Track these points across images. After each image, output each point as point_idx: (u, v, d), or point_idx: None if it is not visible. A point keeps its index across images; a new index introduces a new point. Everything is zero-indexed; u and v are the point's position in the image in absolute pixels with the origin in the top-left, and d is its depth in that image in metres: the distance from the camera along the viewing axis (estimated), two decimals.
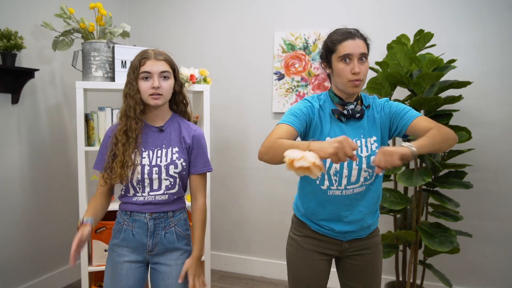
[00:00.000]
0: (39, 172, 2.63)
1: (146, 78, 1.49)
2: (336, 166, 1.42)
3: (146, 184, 1.52)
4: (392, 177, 2.38)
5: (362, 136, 1.44)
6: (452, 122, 2.27)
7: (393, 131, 1.46)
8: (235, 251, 3.20)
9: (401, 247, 2.44)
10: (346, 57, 1.39)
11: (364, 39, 1.44)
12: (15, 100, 2.41)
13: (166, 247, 1.58)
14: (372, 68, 2.37)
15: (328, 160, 1.40)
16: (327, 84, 2.81)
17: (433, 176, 2.25)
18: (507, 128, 2.48)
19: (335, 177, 1.44)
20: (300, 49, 2.87)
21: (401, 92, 2.44)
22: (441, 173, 2.35)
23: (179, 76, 1.60)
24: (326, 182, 1.45)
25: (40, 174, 2.64)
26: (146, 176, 1.51)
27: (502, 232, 2.53)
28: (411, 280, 2.30)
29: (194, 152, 1.57)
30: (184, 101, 1.65)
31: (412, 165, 2.37)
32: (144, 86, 1.49)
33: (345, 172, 1.42)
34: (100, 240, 2.35)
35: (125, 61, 2.34)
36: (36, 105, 2.60)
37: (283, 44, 2.91)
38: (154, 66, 1.49)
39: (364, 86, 2.35)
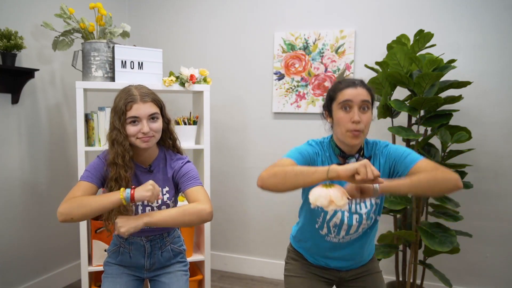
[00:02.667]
0: (39, 172, 2.63)
1: (134, 122, 1.42)
2: (336, 220, 1.40)
3: None
4: None
5: None
6: (452, 122, 2.27)
7: (394, 175, 1.40)
8: (235, 251, 3.20)
9: (401, 247, 2.44)
10: (346, 105, 1.33)
11: (368, 89, 1.36)
12: (15, 100, 2.41)
13: (163, 264, 1.61)
14: (372, 68, 2.37)
15: (330, 213, 1.39)
16: (327, 84, 2.81)
17: None
18: (507, 128, 2.48)
19: (334, 229, 1.43)
20: (300, 49, 2.87)
21: (401, 92, 2.44)
22: None
23: (166, 112, 1.54)
24: (325, 230, 1.44)
25: (40, 174, 2.64)
26: (140, 212, 1.50)
27: (502, 232, 2.53)
28: (411, 280, 2.29)
29: (179, 179, 1.51)
30: (171, 137, 1.58)
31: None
32: (133, 130, 1.41)
33: (345, 226, 1.42)
34: (100, 240, 2.35)
35: (125, 61, 2.35)
36: (36, 105, 2.60)
37: (283, 44, 2.91)
38: (141, 110, 1.41)
39: None
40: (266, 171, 1.25)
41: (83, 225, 2.32)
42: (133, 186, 1.38)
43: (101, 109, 2.38)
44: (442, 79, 2.31)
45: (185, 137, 2.53)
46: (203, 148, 2.55)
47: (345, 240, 1.46)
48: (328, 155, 1.41)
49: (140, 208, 1.51)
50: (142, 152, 1.50)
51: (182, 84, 2.47)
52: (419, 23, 2.53)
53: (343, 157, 1.39)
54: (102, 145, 2.35)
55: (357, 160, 1.38)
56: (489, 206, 2.54)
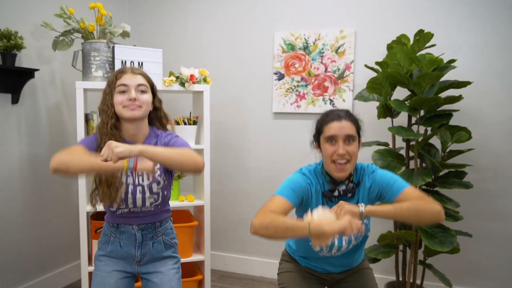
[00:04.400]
0: (39, 172, 2.63)
1: (123, 91, 1.44)
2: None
3: (129, 202, 1.50)
4: None
5: None
6: (452, 122, 2.27)
7: (381, 200, 1.48)
8: (235, 251, 3.20)
9: (401, 247, 2.44)
10: (332, 138, 1.42)
11: (354, 121, 1.44)
12: (15, 100, 2.41)
13: (154, 257, 1.57)
14: (372, 68, 2.37)
15: None
16: (327, 84, 2.81)
17: (433, 176, 2.25)
18: (507, 128, 2.48)
19: (326, 248, 1.51)
20: (300, 49, 2.87)
21: (401, 92, 2.44)
22: (441, 173, 2.34)
23: (158, 94, 1.56)
24: (318, 248, 1.50)
25: (40, 174, 2.64)
26: (130, 195, 1.49)
27: (502, 232, 2.53)
28: (411, 280, 2.29)
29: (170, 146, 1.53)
30: (165, 117, 1.60)
31: (412, 165, 2.37)
32: (120, 99, 1.44)
33: (336, 247, 1.50)
34: None
35: (125, 61, 2.35)
36: (36, 105, 2.60)
37: (283, 44, 2.91)
38: (130, 80, 1.45)
39: (365, 87, 2.35)
40: (259, 219, 1.30)
41: (83, 225, 2.32)
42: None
43: None
44: (442, 79, 2.31)
45: (185, 137, 2.51)
46: (203, 148, 2.55)
47: (337, 254, 1.55)
48: (321, 182, 1.49)
49: (130, 187, 1.48)
50: (132, 129, 1.49)
51: (182, 84, 2.47)
52: (419, 23, 2.53)
53: (334, 184, 1.47)
54: None
55: (346, 186, 1.44)
56: (489, 206, 2.54)
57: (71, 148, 1.41)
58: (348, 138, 1.41)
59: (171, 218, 1.68)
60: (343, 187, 1.45)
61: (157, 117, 1.59)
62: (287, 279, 1.62)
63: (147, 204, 1.52)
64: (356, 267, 1.65)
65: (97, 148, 1.46)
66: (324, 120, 1.46)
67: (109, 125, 1.44)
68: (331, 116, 1.45)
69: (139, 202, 1.50)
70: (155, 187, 1.51)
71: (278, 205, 1.39)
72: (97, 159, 1.29)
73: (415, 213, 1.31)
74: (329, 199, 1.46)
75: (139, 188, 1.50)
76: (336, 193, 1.45)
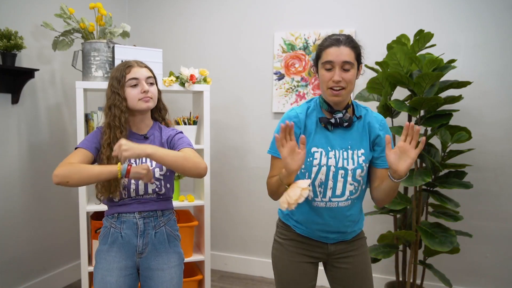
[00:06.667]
0: (39, 172, 2.63)
1: (135, 85, 1.50)
2: (321, 177, 1.41)
3: (132, 189, 1.50)
4: None
5: (349, 147, 1.42)
6: (452, 122, 2.27)
7: (373, 147, 1.47)
8: (235, 251, 3.20)
9: (401, 247, 2.44)
10: (328, 64, 1.35)
11: (354, 47, 1.35)
12: (15, 100, 2.41)
13: (156, 248, 1.53)
14: (372, 68, 2.37)
15: (314, 171, 1.41)
16: None
17: (433, 176, 2.26)
18: (507, 128, 2.48)
19: (319, 189, 1.43)
20: (300, 49, 2.87)
21: (401, 92, 2.44)
22: (441, 173, 2.35)
23: (157, 85, 1.62)
24: (311, 193, 1.44)
25: (40, 174, 2.64)
26: (133, 181, 1.50)
27: (502, 232, 2.53)
28: (411, 280, 2.30)
29: (174, 143, 1.57)
30: (165, 109, 1.66)
31: (412, 165, 2.37)
32: (133, 93, 1.49)
33: (330, 183, 1.41)
34: None
35: None
36: (36, 105, 2.60)
37: (283, 44, 2.91)
38: (140, 73, 1.52)
39: (365, 87, 2.35)
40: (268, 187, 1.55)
41: (83, 225, 2.32)
42: (130, 163, 1.42)
43: (101, 109, 2.38)
44: (442, 79, 2.31)
45: None
46: (203, 148, 2.54)
47: (332, 205, 1.43)
48: (319, 110, 1.47)
49: (133, 185, 1.49)
50: (138, 118, 1.55)
51: (182, 84, 2.47)
52: (419, 23, 2.53)
53: (331, 112, 1.42)
54: None
55: (343, 115, 1.40)
56: (489, 206, 2.54)
57: (72, 155, 1.45)
58: (344, 65, 1.33)
59: (174, 211, 1.66)
60: (339, 115, 1.40)
61: (156, 108, 1.63)
62: (279, 263, 1.58)
63: (150, 190, 1.52)
64: (353, 242, 1.52)
65: (104, 143, 1.48)
66: (322, 44, 1.38)
67: (123, 119, 1.48)
68: (330, 41, 1.36)
69: (141, 188, 1.51)
70: (157, 172, 1.52)
71: (275, 166, 1.58)
72: (95, 168, 1.39)
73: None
74: (324, 126, 1.42)
75: (141, 187, 1.51)
76: (332, 121, 1.41)
